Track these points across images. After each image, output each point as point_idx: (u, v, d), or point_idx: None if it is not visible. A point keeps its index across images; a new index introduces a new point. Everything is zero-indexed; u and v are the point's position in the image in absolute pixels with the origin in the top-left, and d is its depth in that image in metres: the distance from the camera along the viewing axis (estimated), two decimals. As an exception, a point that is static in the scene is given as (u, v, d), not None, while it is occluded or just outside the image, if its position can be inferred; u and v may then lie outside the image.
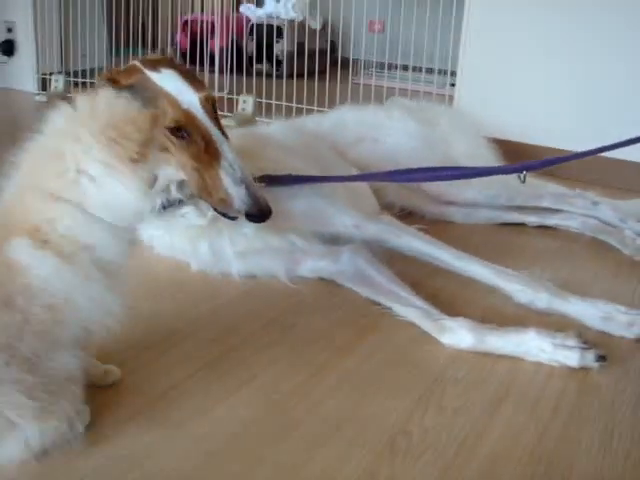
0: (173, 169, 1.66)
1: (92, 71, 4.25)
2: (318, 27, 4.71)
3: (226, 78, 4.13)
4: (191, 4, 5.08)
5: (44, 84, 4.33)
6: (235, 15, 4.98)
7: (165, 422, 1.35)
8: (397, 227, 2.00)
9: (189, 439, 1.31)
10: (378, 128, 2.50)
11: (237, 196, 1.65)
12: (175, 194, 1.79)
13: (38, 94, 4.27)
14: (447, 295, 1.84)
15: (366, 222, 2.00)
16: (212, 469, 1.24)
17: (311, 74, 3.71)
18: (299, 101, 3.70)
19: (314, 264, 1.91)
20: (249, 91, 3.87)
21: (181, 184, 1.75)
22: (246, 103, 3.72)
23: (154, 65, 1.71)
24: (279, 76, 3.85)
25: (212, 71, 4.19)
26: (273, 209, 1.90)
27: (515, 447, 1.30)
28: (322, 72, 4.04)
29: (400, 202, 2.40)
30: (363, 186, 2.31)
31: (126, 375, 1.46)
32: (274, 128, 2.36)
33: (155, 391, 1.44)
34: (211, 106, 1.70)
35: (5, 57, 4.39)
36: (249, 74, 4.40)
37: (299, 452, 1.28)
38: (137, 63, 1.73)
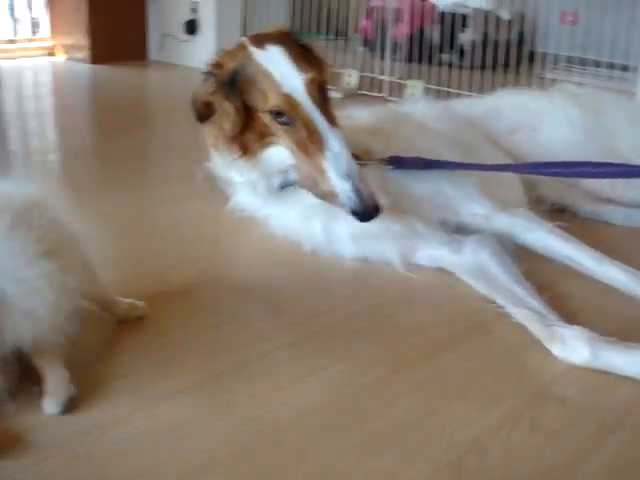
0: (284, 152, 1.62)
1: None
2: (507, 17, 4.43)
3: (402, 65, 3.97)
4: (379, -10, 4.96)
5: (222, 62, 4.37)
6: (421, 2, 4.80)
7: (215, 399, 1.23)
8: (531, 221, 1.77)
9: (234, 421, 1.18)
10: (537, 116, 2.24)
11: (341, 191, 1.54)
12: (292, 175, 1.69)
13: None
14: (578, 302, 1.57)
15: (497, 213, 1.79)
16: (247, 457, 1.10)
17: (496, 66, 3.49)
18: (470, 89, 3.48)
19: (433, 252, 1.71)
20: (416, 76, 3.70)
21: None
22: (415, 89, 3.54)
23: (262, 41, 1.62)
24: (462, 67, 3.64)
25: (394, 59, 4.04)
26: (396, 190, 1.76)
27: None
28: (508, 65, 3.79)
29: (552, 196, 2.11)
30: (509, 174, 2.06)
31: (191, 342, 1.38)
32: (417, 107, 2.18)
33: (218, 365, 1.32)
34: (318, 89, 1.58)
35: (188, 36, 4.49)
36: (431, 63, 4.23)
37: (350, 454, 1.11)
38: (245, 39, 1.66)
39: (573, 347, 1.34)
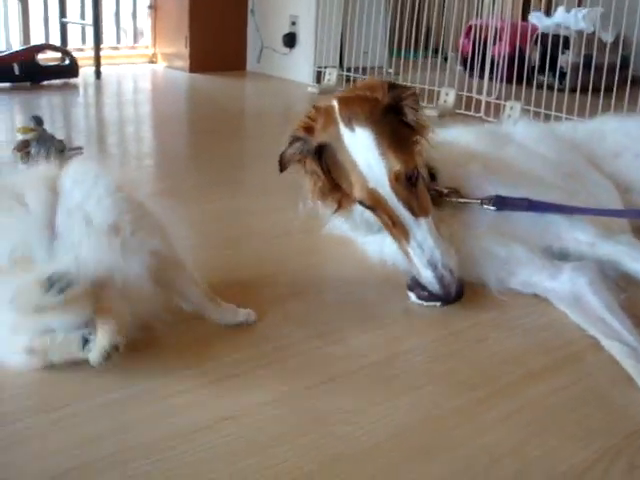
0: None
1: (367, 69, 4.25)
2: (610, 40, 4.31)
3: (500, 85, 3.90)
4: (479, 9, 4.90)
5: (319, 77, 4.41)
6: (521, 23, 4.72)
7: (305, 413, 1.23)
8: (636, 249, 1.70)
9: (322, 436, 1.17)
10: (641, 142, 2.17)
11: (425, 278, 1.56)
12: None
13: (311, 86, 4.36)
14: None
15: (601, 240, 1.73)
16: (332, 474, 1.09)
17: (596, 90, 3.39)
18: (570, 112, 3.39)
19: (528, 277, 1.67)
20: (514, 97, 3.63)
21: None
22: (513, 110, 3.48)
23: (350, 116, 1.57)
24: (561, 90, 3.56)
25: (492, 78, 3.98)
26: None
27: None
28: (609, 89, 3.68)
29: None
30: (613, 199, 2.00)
31: (282, 354, 1.39)
32: (517, 128, 2.13)
33: (309, 379, 1.33)
34: (404, 182, 1.54)
35: (287, 49, 4.54)
36: (529, 84, 4.14)
37: (440, 478, 1.08)
38: (335, 109, 1.60)
39: None
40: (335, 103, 1.62)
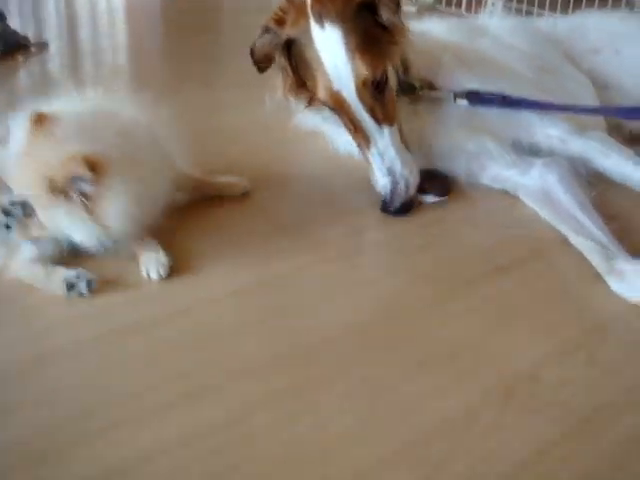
0: None
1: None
2: None
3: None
4: None
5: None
6: None
7: (264, 304, 1.22)
8: (608, 146, 1.66)
9: (280, 328, 1.16)
10: (622, 38, 2.09)
11: (381, 185, 1.52)
12: None
13: None
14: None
15: (573, 136, 1.69)
16: (287, 366, 1.08)
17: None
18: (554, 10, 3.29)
19: (499, 172, 1.63)
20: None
21: None
22: (494, 6, 3.36)
23: (322, 12, 1.45)
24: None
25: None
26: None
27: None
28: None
29: (632, 124, 1.98)
30: (589, 95, 1.95)
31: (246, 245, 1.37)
32: (494, 21, 2.05)
33: (270, 271, 1.31)
34: (371, 89, 1.47)
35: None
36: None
37: (394, 372, 1.07)
38: (308, 5, 1.48)
39: (631, 283, 1.26)
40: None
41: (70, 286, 1.21)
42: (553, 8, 3.26)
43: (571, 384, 1.06)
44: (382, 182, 1.51)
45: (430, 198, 1.59)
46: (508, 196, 1.62)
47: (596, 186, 1.58)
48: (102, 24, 3.30)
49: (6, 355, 1.08)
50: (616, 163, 1.63)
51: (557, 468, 0.91)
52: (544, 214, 1.52)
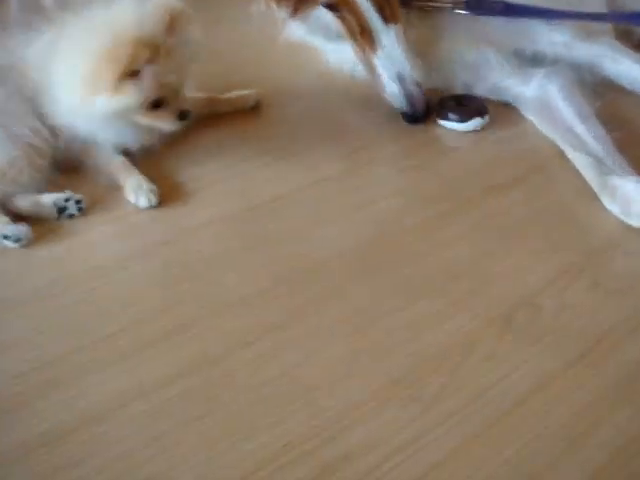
0: None
1: None
2: None
3: None
4: None
5: None
6: None
7: (254, 231, 1.16)
8: (617, 51, 1.56)
9: (269, 255, 1.10)
10: None
11: (391, 92, 1.42)
12: None
13: None
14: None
15: (579, 41, 1.57)
16: (277, 294, 1.03)
17: None
18: None
19: (498, 82, 1.53)
20: None
21: None
22: None
23: None
24: None
25: None
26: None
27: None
28: None
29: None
30: (596, 1, 1.82)
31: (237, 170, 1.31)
32: None
33: (263, 195, 1.25)
34: None
35: None
36: None
37: (388, 299, 1.02)
38: None
39: (621, 202, 1.18)
40: None
41: (61, 209, 1.16)
42: None
43: (573, 308, 1.00)
44: (391, 88, 1.42)
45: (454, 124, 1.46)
46: (506, 108, 1.52)
47: (603, 95, 1.48)
48: None
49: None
50: (627, 68, 1.52)
51: (557, 402, 0.86)
52: (542, 126, 1.44)
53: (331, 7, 1.44)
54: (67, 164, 1.26)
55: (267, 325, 0.97)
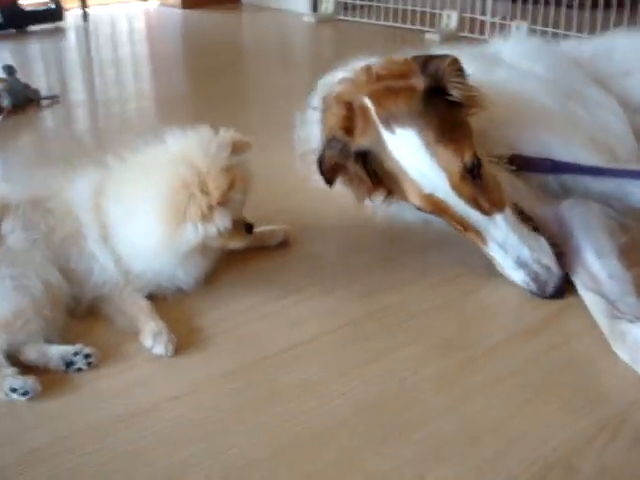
0: None
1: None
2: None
3: (506, 4, 3.64)
4: None
5: (315, 4, 4.16)
6: None
7: (262, 387, 1.10)
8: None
9: (280, 415, 1.04)
10: (654, 59, 1.96)
11: (519, 280, 1.32)
12: None
13: (307, 15, 4.11)
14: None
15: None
16: (289, 459, 0.96)
17: (609, 5, 3.17)
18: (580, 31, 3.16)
19: None
20: (524, 17, 3.38)
21: None
22: (519, 30, 3.24)
23: (388, 116, 1.30)
24: (572, 6, 3.32)
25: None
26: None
27: None
28: (621, 4, 3.42)
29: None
30: (619, 120, 1.80)
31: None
32: (509, 46, 1.90)
33: (272, 347, 1.19)
34: (467, 177, 1.28)
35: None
36: (538, 2, 3.88)
37: (407, 462, 0.95)
38: (370, 108, 1.33)
39: (632, 349, 1.12)
40: (368, 101, 1.35)
41: (68, 363, 1.13)
42: (581, 29, 3.13)
43: (615, 470, 0.92)
44: (517, 277, 1.32)
45: None
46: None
47: (631, 228, 1.44)
48: (124, 72, 3.24)
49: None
50: None
51: None
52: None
53: (427, 212, 1.36)
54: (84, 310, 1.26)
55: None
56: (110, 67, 3.34)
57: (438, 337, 1.21)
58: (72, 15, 4.22)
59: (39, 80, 2.80)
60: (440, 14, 3.59)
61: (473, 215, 1.29)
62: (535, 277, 1.30)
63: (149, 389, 1.10)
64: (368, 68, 1.40)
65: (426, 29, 3.53)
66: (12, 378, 1.09)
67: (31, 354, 1.14)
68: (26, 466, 0.96)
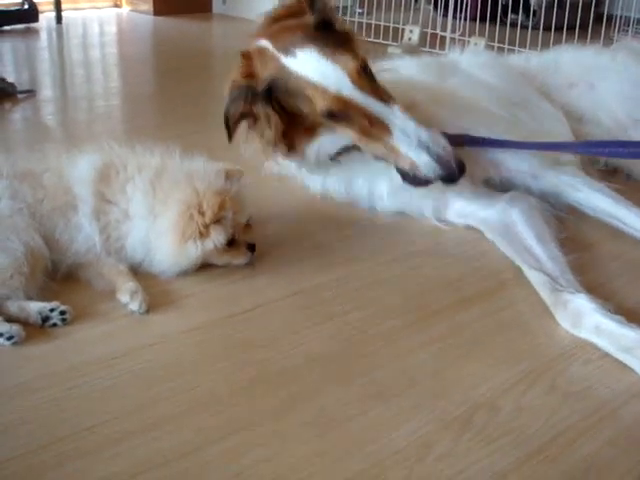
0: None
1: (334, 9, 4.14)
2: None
3: (467, 23, 3.81)
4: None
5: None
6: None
7: (228, 339, 1.23)
8: (579, 180, 1.68)
9: (241, 361, 1.16)
10: (597, 72, 2.12)
11: (422, 164, 1.46)
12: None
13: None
14: (615, 267, 1.49)
15: (545, 171, 1.70)
16: (247, 398, 1.08)
17: (566, 28, 3.34)
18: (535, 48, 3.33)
19: (463, 208, 1.65)
20: (482, 34, 3.57)
21: None
22: (477, 46, 3.41)
23: (287, 46, 1.50)
24: (532, 27, 3.50)
25: (460, 17, 3.86)
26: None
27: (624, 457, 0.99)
28: (577, 27, 3.61)
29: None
30: (562, 129, 1.96)
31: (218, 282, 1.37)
32: (464, 57, 2.07)
33: (236, 308, 1.32)
34: (363, 75, 1.47)
35: None
36: (502, 23, 4.06)
37: (352, 402, 1.07)
38: (269, 46, 1.53)
39: (573, 316, 1.26)
40: (266, 42, 1.54)
41: (45, 318, 1.22)
42: (534, 46, 3.31)
43: (530, 411, 1.06)
44: (422, 159, 1.45)
45: None
46: (472, 231, 1.63)
47: (566, 220, 1.60)
48: (92, 73, 3.33)
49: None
50: (587, 196, 1.64)
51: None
52: (502, 247, 1.53)
53: (333, 116, 1.50)
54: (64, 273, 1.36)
55: (238, 424, 1.02)
56: (81, 67, 3.43)
57: (384, 304, 1.34)
58: (46, 17, 4.29)
59: (11, 76, 2.86)
60: (403, 29, 3.76)
61: (375, 105, 1.47)
62: (438, 158, 1.44)
63: (123, 339, 1.21)
64: (265, 15, 1.61)
65: (389, 43, 3.69)
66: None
67: (12, 308, 1.23)
68: (13, 397, 1.06)
